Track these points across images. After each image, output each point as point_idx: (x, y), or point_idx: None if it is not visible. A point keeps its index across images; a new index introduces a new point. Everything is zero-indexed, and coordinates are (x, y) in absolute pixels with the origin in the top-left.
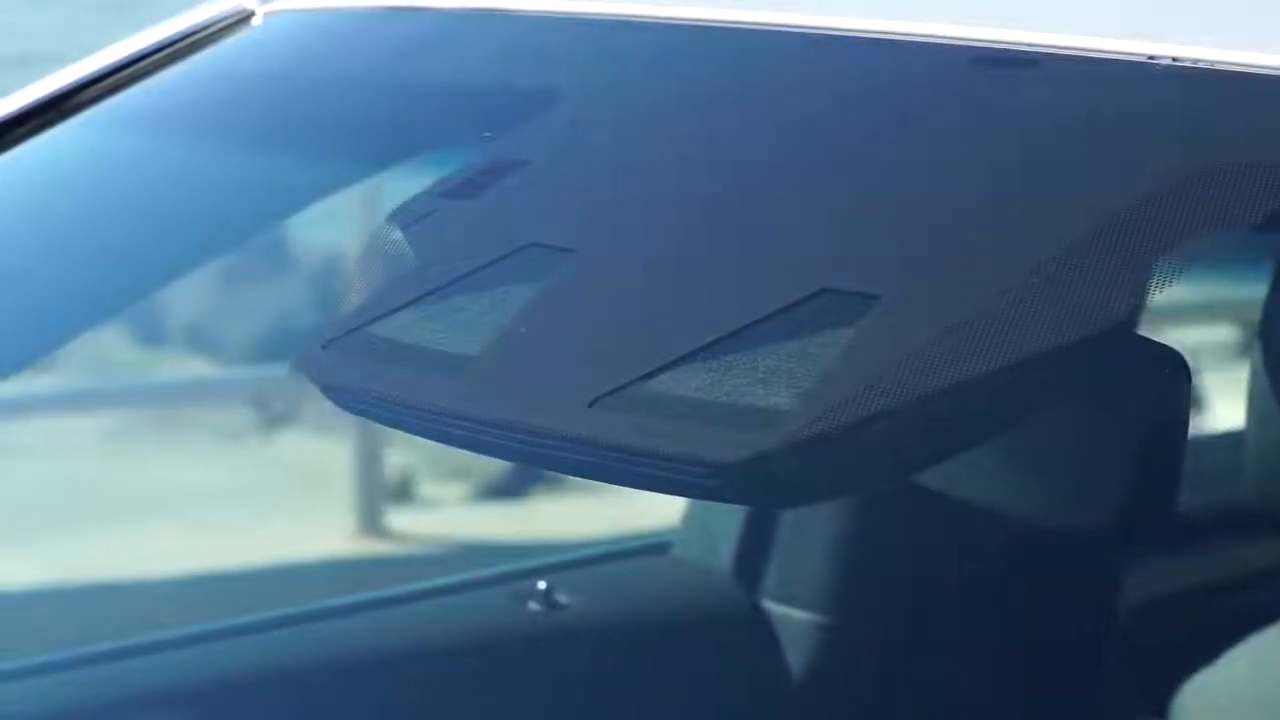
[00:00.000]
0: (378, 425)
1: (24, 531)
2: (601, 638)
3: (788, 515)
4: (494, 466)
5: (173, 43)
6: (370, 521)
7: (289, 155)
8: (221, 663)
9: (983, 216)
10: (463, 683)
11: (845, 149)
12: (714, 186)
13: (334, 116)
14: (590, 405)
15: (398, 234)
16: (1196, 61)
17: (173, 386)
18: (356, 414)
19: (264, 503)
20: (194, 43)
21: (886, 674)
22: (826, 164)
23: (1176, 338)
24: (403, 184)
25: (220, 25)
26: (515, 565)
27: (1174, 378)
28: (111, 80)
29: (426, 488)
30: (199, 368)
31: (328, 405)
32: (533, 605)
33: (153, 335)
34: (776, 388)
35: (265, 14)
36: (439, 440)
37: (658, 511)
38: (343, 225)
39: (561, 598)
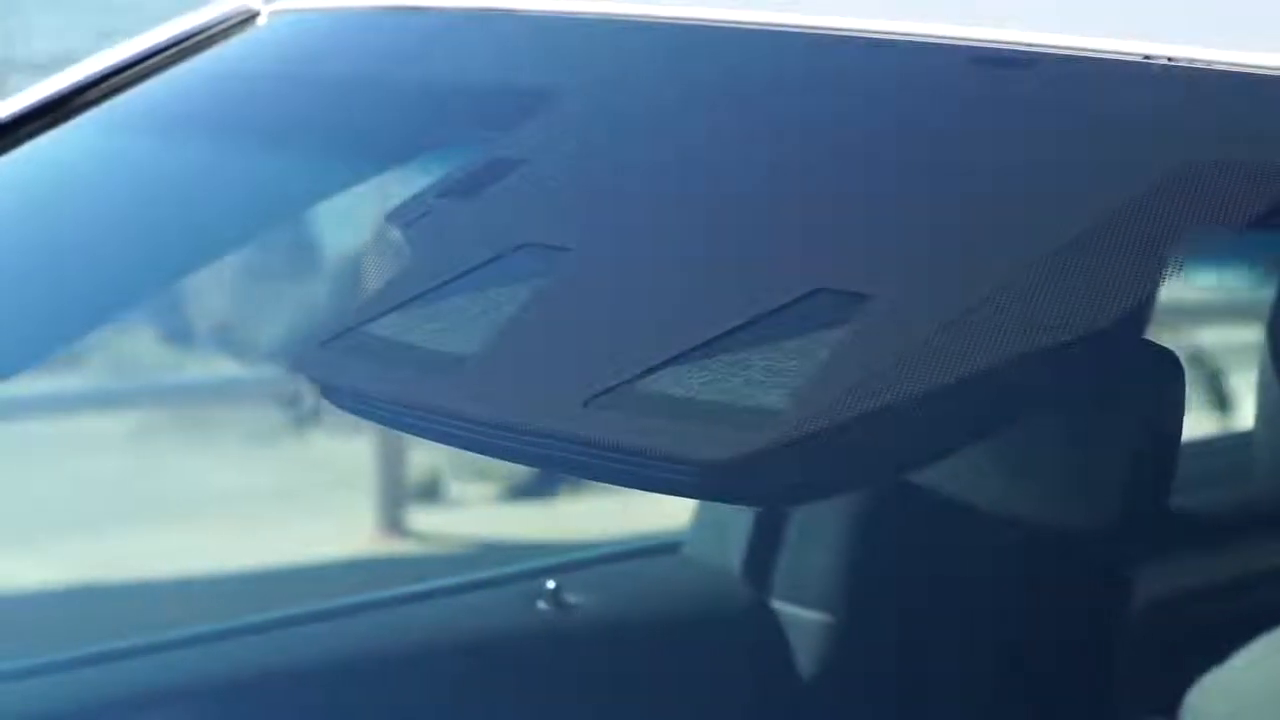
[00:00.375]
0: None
1: (44, 531)
2: (611, 637)
3: (798, 515)
4: (516, 466)
5: (178, 42)
6: (392, 521)
7: (294, 155)
8: (228, 662)
9: (980, 216)
10: (470, 682)
11: (843, 149)
12: (712, 186)
13: (339, 116)
14: (585, 404)
15: (395, 234)
16: (1192, 61)
17: (193, 386)
18: (353, 414)
19: (285, 502)
20: (199, 42)
21: (896, 673)
22: (825, 164)
23: (1171, 338)
24: (408, 183)
25: (225, 25)
26: (523, 565)
27: (1171, 378)
28: (117, 79)
29: (449, 487)
30: (221, 367)
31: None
32: (541, 605)
33: (171, 334)
34: (772, 387)
35: (270, 14)
36: (436, 440)
37: (687, 511)
38: (344, 226)
39: (570, 597)
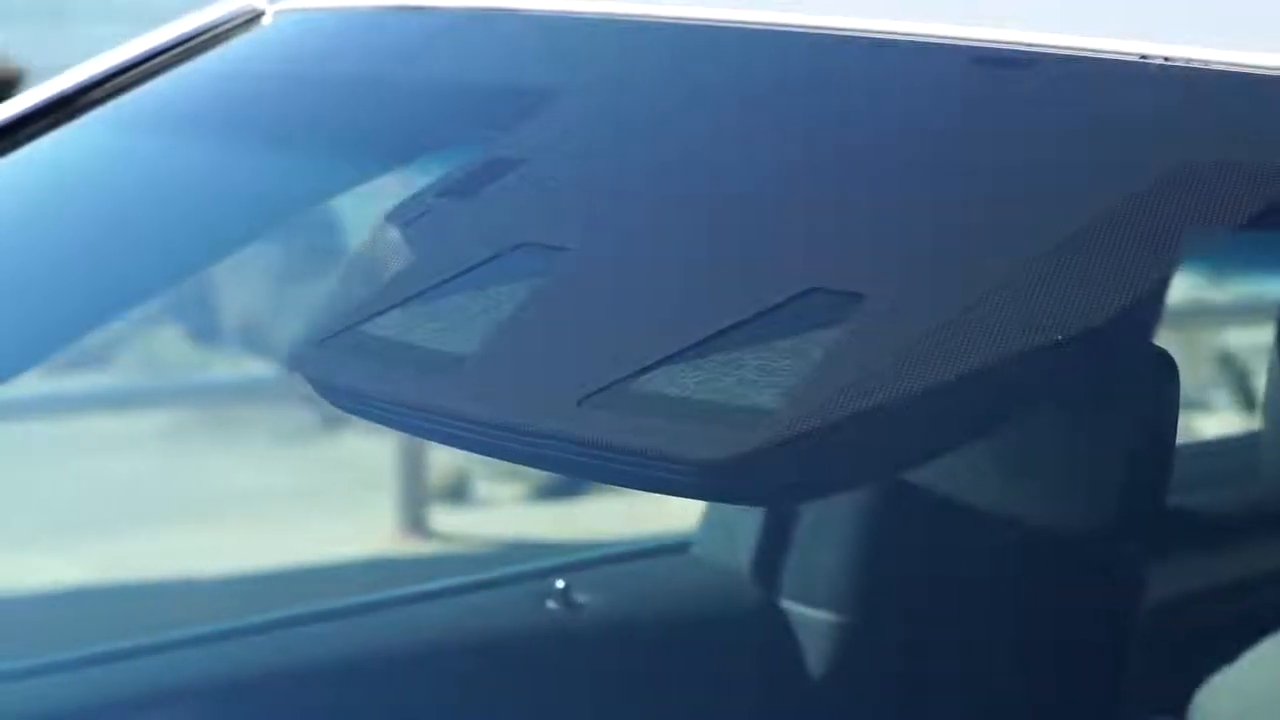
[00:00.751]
0: None
1: (67, 529)
2: (620, 637)
3: (806, 515)
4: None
5: (182, 42)
6: (413, 521)
7: (299, 153)
8: (234, 661)
9: (978, 216)
10: (480, 681)
11: (842, 148)
12: (713, 186)
13: (344, 115)
14: (579, 404)
15: (393, 233)
16: (1189, 61)
17: (212, 386)
18: (350, 413)
19: (306, 502)
20: (204, 42)
21: (905, 673)
22: (824, 163)
23: (1165, 337)
24: (412, 182)
25: (230, 24)
26: (533, 564)
27: (1167, 378)
28: (122, 79)
29: (471, 487)
30: (243, 367)
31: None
32: (551, 604)
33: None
34: (772, 386)
35: (275, 13)
36: (436, 440)
37: (696, 512)
38: (346, 225)
39: (580, 597)
